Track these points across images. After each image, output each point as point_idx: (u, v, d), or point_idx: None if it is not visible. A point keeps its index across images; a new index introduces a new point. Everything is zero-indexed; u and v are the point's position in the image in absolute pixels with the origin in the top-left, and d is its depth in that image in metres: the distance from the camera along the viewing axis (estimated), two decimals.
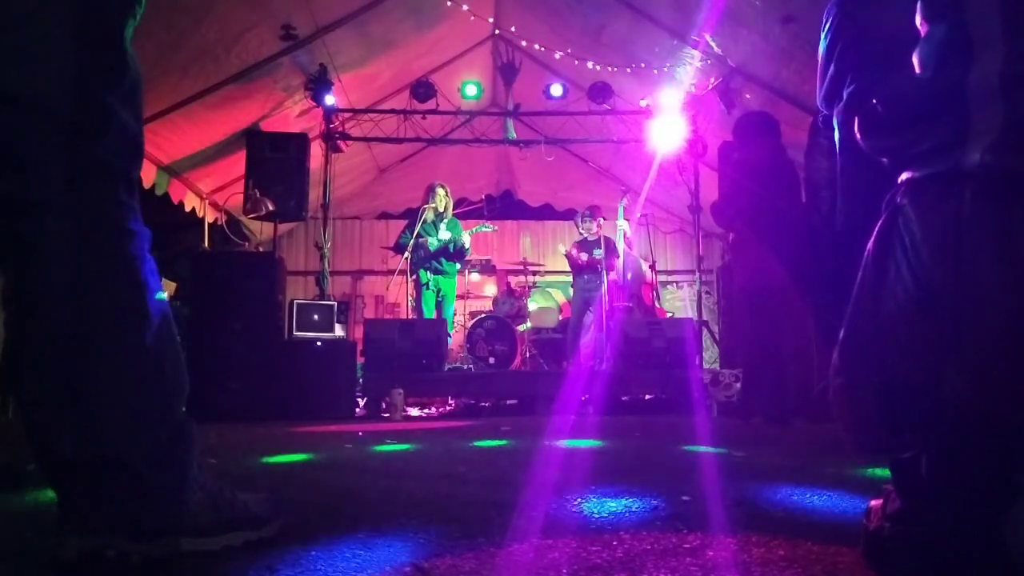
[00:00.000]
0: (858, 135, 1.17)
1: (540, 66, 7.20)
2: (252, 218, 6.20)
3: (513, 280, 8.44)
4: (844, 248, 1.29)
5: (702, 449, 2.98)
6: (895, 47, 1.19)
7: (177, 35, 4.65)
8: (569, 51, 6.56)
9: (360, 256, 9.62)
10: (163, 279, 1.26)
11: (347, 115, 6.79)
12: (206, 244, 7.09)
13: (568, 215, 8.58)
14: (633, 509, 1.64)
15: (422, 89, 6.70)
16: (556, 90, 6.93)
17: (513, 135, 7.17)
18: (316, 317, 5.67)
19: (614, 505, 1.69)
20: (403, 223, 6.94)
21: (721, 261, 7.52)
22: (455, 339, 7.08)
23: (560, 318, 7.91)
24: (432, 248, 6.41)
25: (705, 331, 6.51)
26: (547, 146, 7.18)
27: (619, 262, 6.88)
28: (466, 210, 7.81)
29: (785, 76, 5.50)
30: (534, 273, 7.94)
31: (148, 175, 5.69)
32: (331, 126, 6.59)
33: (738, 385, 4.68)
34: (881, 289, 1.11)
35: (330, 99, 6.21)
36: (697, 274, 6.92)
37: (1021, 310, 0.97)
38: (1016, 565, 1.04)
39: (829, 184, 1.44)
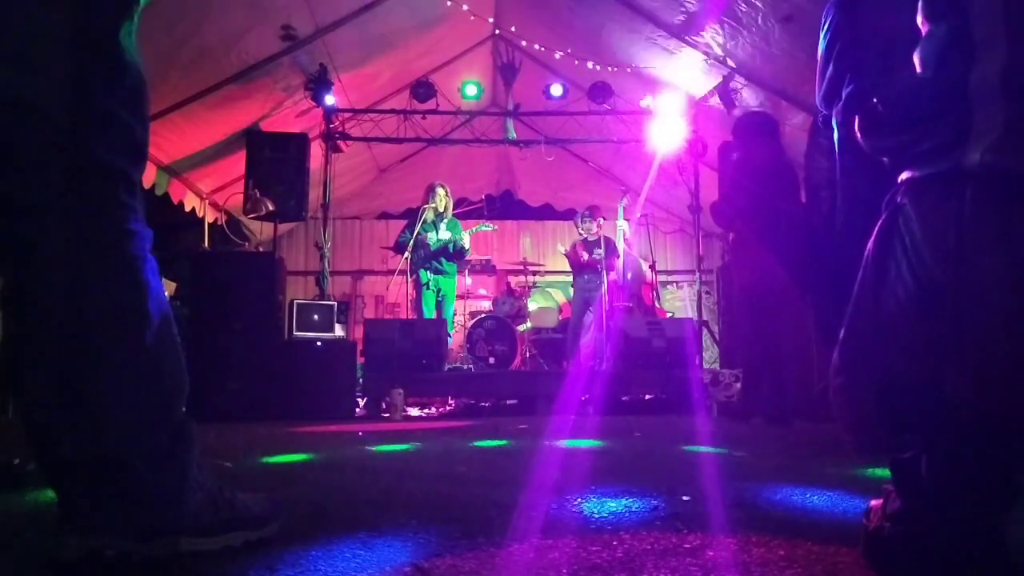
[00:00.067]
0: (859, 135, 1.17)
1: (540, 66, 7.20)
2: (252, 218, 6.20)
3: (513, 280, 8.44)
4: (844, 248, 1.29)
5: (702, 449, 2.98)
6: (893, 47, 1.19)
7: (177, 35, 4.65)
8: (569, 51, 6.56)
9: (360, 256, 9.62)
10: (163, 279, 1.26)
11: (347, 115, 6.78)
12: (206, 244, 7.09)
13: (568, 215, 8.57)
14: (633, 509, 1.64)
15: (422, 89, 6.70)
16: (556, 90, 6.93)
17: (513, 135, 7.17)
18: (316, 317, 5.67)
19: (614, 505, 1.69)
20: (403, 223, 6.94)
21: (721, 261, 7.52)
22: (455, 339, 7.07)
23: (560, 318, 7.91)
24: (432, 243, 6.41)
25: (705, 331, 6.51)
26: (547, 146, 7.18)
27: (619, 262, 6.88)
28: (466, 210, 7.81)
29: (785, 76, 5.50)
30: (534, 273, 7.94)
31: (148, 175, 5.68)
32: (331, 126, 6.59)
33: (738, 385, 4.68)
34: (881, 289, 1.11)
35: (330, 99, 6.21)
36: (697, 274, 6.92)
37: (1022, 310, 0.97)
38: (1016, 565, 1.04)
39: (829, 184, 1.45)
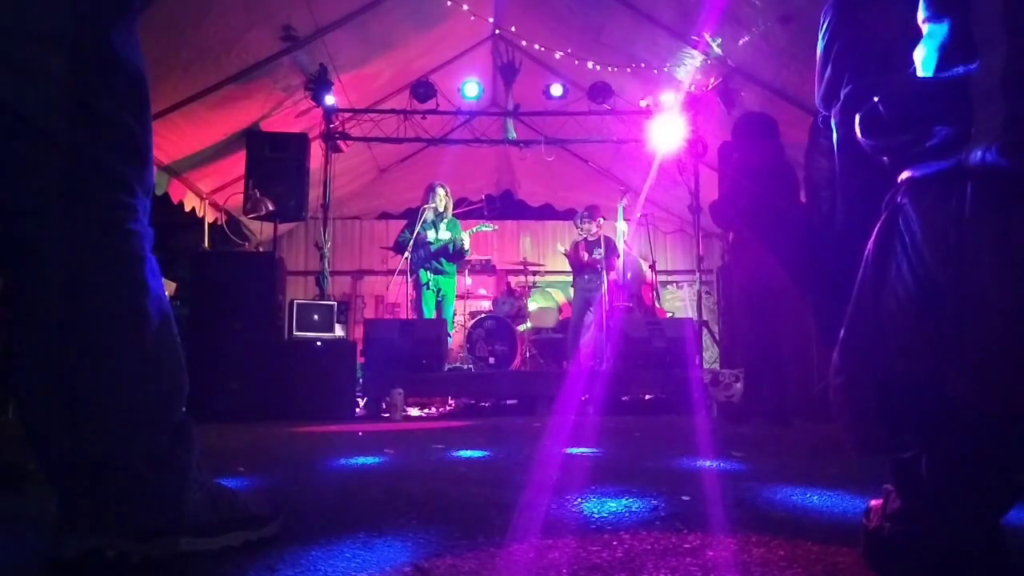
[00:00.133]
0: (859, 134, 1.17)
1: (540, 66, 7.20)
2: (252, 218, 6.20)
3: (513, 280, 8.44)
4: (844, 248, 1.29)
5: (702, 449, 2.98)
6: (892, 47, 1.19)
7: (177, 35, 4.65)
8: (569, 51, 6.56)
9: (360, 256, 9.62)
10: (163, 279, 1.26)
11: (347, 115, 6.78)
12: (206, 244, 7.09)
13: (568, 215, 8.58)
14: (633, 509, 1.64)
15: (422, 89, 6.70)
16: (556, 90, 6.93)
17: (513, 135, 7.17)
18: (316, 317, 5.67)
19: (614, 505, 1.69)
20: (403, 223, 6.94)
21: (721, 261, 7.52)
22: (455, 339, 7.07)
23: (560, 318, 7.91)
24: (432, 244, 6.41)
25: (705, 331, 6.51)
26: (547, 146, 7.18)
27: (619, 262, 6.88)
28: (466, 210, 7.81)
29: (785, 76, 5.50)
30: (534, 273, 7.94)
31: None
32: (331, 126, 6.58)
33: (738, 385, 4.67)
34: (881, 289, 1.11)
35: (330, 99, 6.21)
36: (697, 274, 6.91)
37: (1021, 310, 0.97)
38: (1016, 565, 1.04)
39: (829, 184, 1.45)
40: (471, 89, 7.06)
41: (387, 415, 4.95)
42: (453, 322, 6.95)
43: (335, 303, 6.14)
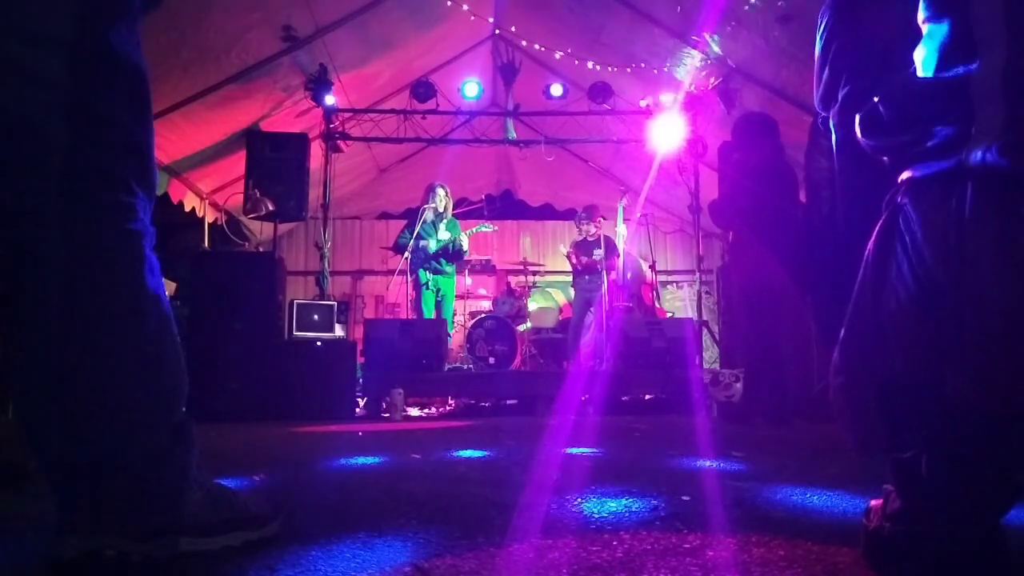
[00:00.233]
0: (859, 135, 1.17)
1: (540, 66, 7.20)
2: (252, 218, 6.20)
3: (513, 280, 8.44)
4: (844, 248, 1.29)
5: (702, 449, 2.98)
6: (890, 48, 1.19)
7: (177, 35, 4.65)
8: (569, 51, 6.55)
9: (360, 256, 9.62)
10: (163, 279, 1.26)
11: (347, 115, 6.78)
12: (206, 244, 7.09)
13: (568, 215, 8.58)
14: (633, 509, 1.64)
15: (422, 89, 6.70)
16: (556, 90, 6.93)
17: (513, 135, 7.17)
18: (316, 317, 5.67)
19: (614, 505, 1.69)
20: (403, 223, 6.95)
21: (721, 261, 7.52)
22: (455, 339, 7.08)
23: (560, 318, 7.91)
24: (432, 251, 6.42)
25: (705, 331, 6.51)
26: (547, 146, 7.18)
27: (619, 262, 6.88)
28: (466, 210, 7.81)
29: (785, 76, 5.50)
30: (534, 273, 7.94)
31: None
32: (331, 126, 6.58)
33: (738, 385, 4.67)
34: (881, 289, 1.11)
35: (330, 99, 6.21)
36: (697, 274, 6.91)
37: (1022, 310, 0.97)
38: (1016, 565, 1.04)
39: (829, 184, 1.45)
40: (471, 89, 7.06)
41: (387, 415, 4.95)
42: (453, 322, 6.95)
43: (335, 303, 6.14)
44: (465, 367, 6.39)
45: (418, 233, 6.36)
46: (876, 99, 1.12)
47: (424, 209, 6.45)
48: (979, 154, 0.97)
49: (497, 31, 7.06)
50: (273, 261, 5.33)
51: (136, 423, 1.16)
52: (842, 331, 1.19)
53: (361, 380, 5.37)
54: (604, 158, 8.67)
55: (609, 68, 6.54)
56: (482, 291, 8.47)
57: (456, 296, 7.11)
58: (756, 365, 4.24)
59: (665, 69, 6.24)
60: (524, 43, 6.94)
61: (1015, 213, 0.97)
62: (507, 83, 7.01)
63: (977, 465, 1.04)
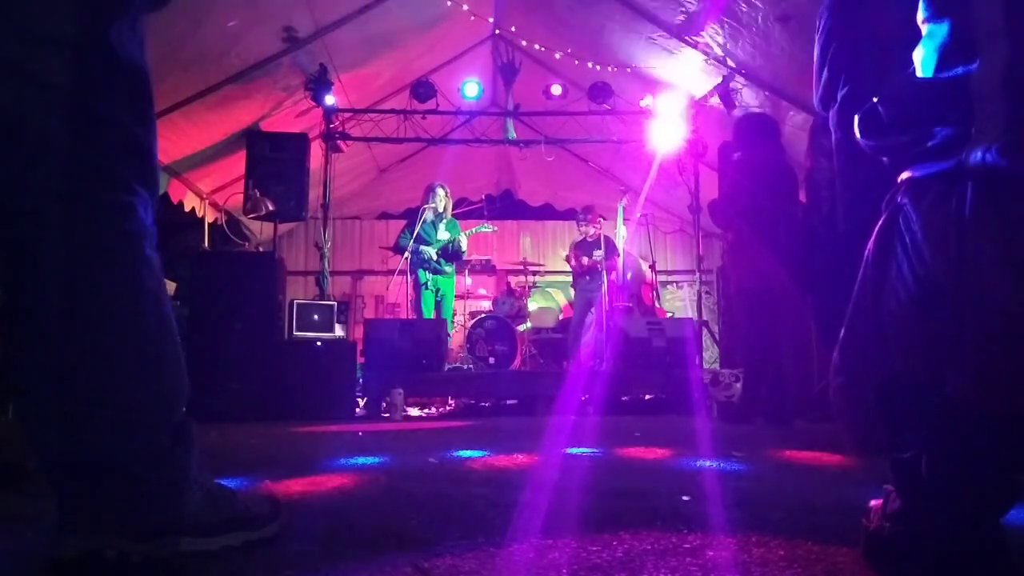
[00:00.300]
0: (858, 135, 1.17)
1: (540, 66, 7.20)
2: (252, 218, 6.20)
3: (513, 280, 8.44)
4: (844, 248, 1.29)
5: (702, 449, 2.98)
6: (888, 48, 1.19)
7: (177, 35, 4.65)
8: (569, 51, 6.56)
9: (360, 256, 9.62)
10: (164, 279, 1.26)
11: (347, 115, 6.79)
12: (206, 244, 7.09)
13: (568, 215, 8.58)
14: (633, 509, 1.64)
15: (422, 89, 6.70)
16: (556, 90, 6.93)
17: (513, 135, 7.17)
18: (316, 317, 5.67)
19: (614, 505, 1.69)
20: (403, 223, 6.95)
21: (721, 261, 7.53)
22: (455, 339, 7.08)
23: (560, 318, 7.91)
24: (430, 257, 6.43)
25: (705, 331, 6.51)
26: (547, 146, 7.18)
27: (619, 262, 6.88)
28: (466, 210, 7.81)
29: (785, 76, 5.50)
30: (534, 273, 7.94)
31: None
32: (331, 126, 6.59)
33: (738, 385, 4.67)
34: (882, 289, 1.11)
35: (330, 99, 6.21)
36: (697, 274, 6.92)
37: (1022, 310, 0.97)
38: (1016, 565, 1.04)
39: (829, 184, 1.45)
40: (471, 89, 7.06)
41: (387, 415, 4.95)
42: (452, 322, 6.95)
43: (335, 303, 6.14)
44: (465, 367, 6.39)
45: (418, 235, 6.37)
46: (875, 100, 1.12)
47: (424, 209, 6.45)
48: (979, 154, 0.97)
49: (497, 31, 7.06)
50: (273, 261, 5.34)
51: (136, 423, 1.16)
52: (842, 331, 1.19)
53: (361, 380, 5.37)
54: (604, 158, 8.67)
55: (609, 68, 6.54)
56: (482, 291, 8.47)
57: (456, 296, 7.11)
58: (756, 365, 4.24)
59: (665, 69, 6.24)
60: (524, 43, 6.94)
61: (1015, 213, 0.97)
62: (507, 83, 7.01)
63: (977, 465, 1.04)
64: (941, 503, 1.06)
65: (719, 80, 5.97)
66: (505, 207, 9.38)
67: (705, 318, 6.67)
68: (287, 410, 4.64)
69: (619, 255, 6.90)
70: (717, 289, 7.48)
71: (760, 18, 4.99)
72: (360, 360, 5.42)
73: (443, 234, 6.49)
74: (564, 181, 9.02)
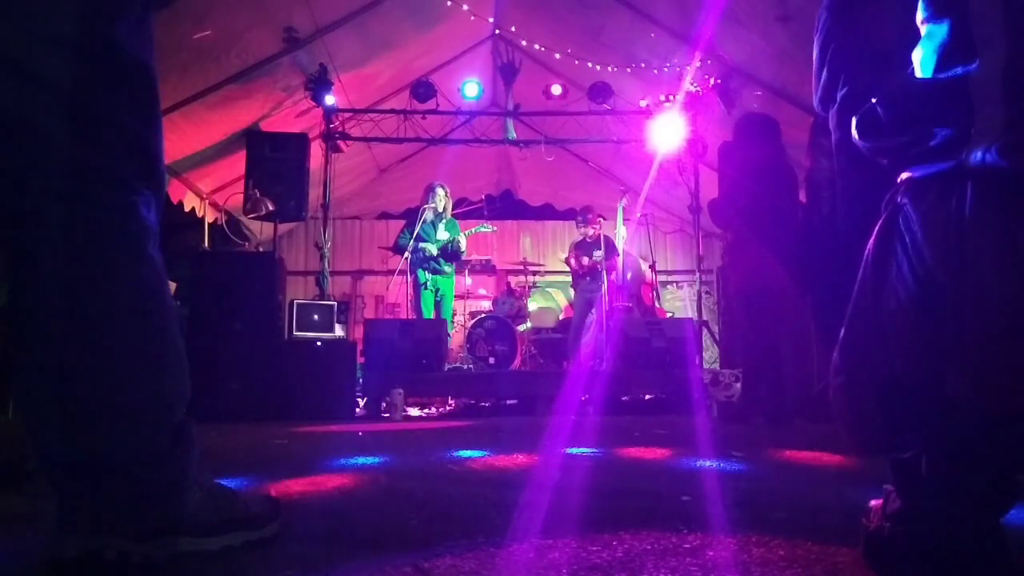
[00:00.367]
0: (856, 136, 1.17)
1: (540, 66, 7.20)
2: (252, 218, 6.20)
3: (513, 280, 8.44)
4: (844, 248, 1.29)
5: (702, 449, 2.98)
6: (888, 48, 1.19)
7: (177, 35, 4.65)
8: (569, 51, 6.56)
9: (360, 256, 9.62)
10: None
11: (347, 115, 6.79)
12: (206, 244, 7.09)
13: (568, 215, 8.58)
14: (633, 509, 1.64)
15: (422, 89, 6.70)
16: (556, 90, 6.93)
17: (513, 135, 7.17)
18: (316, 317, 5.67)
19: (614, 505, 1.69)
20: (403, 223, 6.95)
21: (721, 261, 7.53)
22: (455, 339, 7.08)
23: (560, 318, 7.91)
24: (431, 254, 6.43)
25: (705, 331, 6.51)
26: (547, 146, 7.18)
27: (619, 262, 6.88)
28: (466, 210, 7.81)
29: (785, 76, 5.50)
30: (534, 273, 7.94)
31: None
32: (331, 126, 6.59)
33: (738, 385, 4.67)
34: (881, 289, 1.11)
35: (330, 99, 6.21)
36: (697, 274, 6.92)
37: (1022, 310, 0.97)
38: (1016, 565, 1.04)
39: (830, 184, 1.45)
40: (471, 89, 7.06)
41: (387, 415, 4.95)
42: (452, 322, 6.95)
43: (335, 303, 6.14)
44: (465, 367, 6.39)
45: (418, 234, 6.37)
46: (874, 100, 1.12)
47: (424, 209, 6.45)
48: (979, 155, 0.97)
49: (497, 31, 7.06)
50: (273, 261, 5.34)
51: (136, 423, 1.16)
52: (842, 331, 1.19)
53: (361, 380, 5.37)
54: (604, 158, 8.67)
55: (609, 68, 6.54)
56: (482, 291, 8.47)
57: (456, 296, 7.11)
58: (755, 365, 4.24)
59: (665, 69, 6.24)
60: (524, 43, 6.94)
61: (1015, 213, 0.97)
62: (507, 83, 7.01)
63: (977, 465, 1.04)
64: (941, 503, 1.06)
65: (719, 80, 5.97)
66: (505, 207, 9.39)
67: (705, 318, 6.66)
68: (287, 410, 4.64)
69: (619, 255, 6.90)
70: (717, 289, 7.48)
71: (760, 18, 4.99)
72: (360, 360, 5.42)
73: (442, 234, 6.49)
74: (564, 181, 9.03)
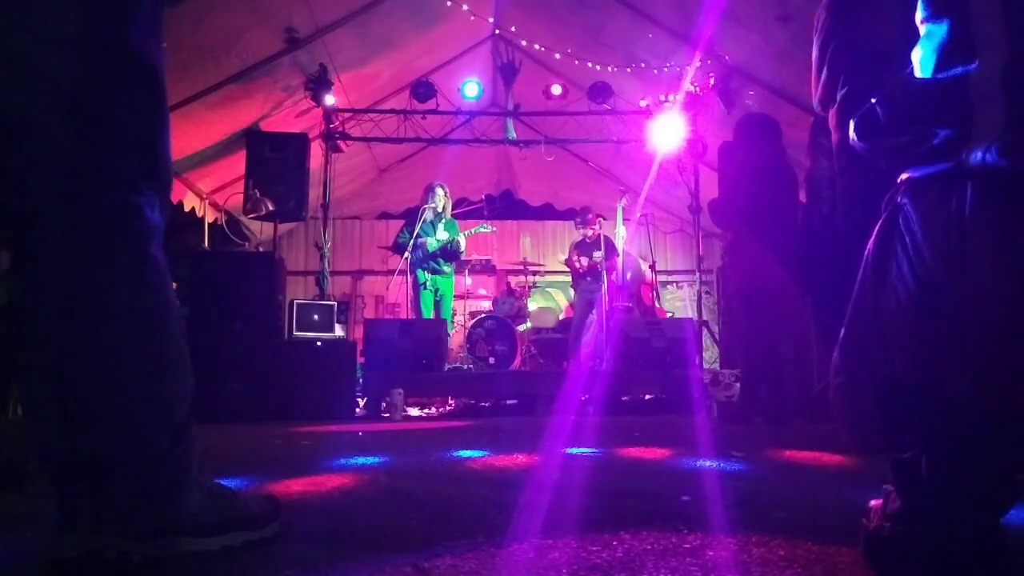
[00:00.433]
0: (855, 137, 1.17)
1: (540, 66, 7.20)
2: (252, 218, 6.20)
3: (513, 280, 8.44)
4: (844, 248, 1.29)
5: (702, 449, 2.98)
6: (887, 48, 1.19)
7: (177, 35, 4.65)
8: (569, 51, 6.56)
9: (360, 256, 9.62)
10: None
11: (347, 115, 6.79)
12: (206, 244, 7.09)
13: (568, 215, 8.59)
14: (633, 509, 1.64)
15: (422, 89, 6.70)
16: (556, 90, 6.94)
17: (513, 135, 7.17)
18: (316, 317, 5.67)
19: (614, 505, 1.69)
20: (403, 223, 6.95)
21: (721, 261, 7.53)
22: (455, 339, 7.08)
23: (560, 318, 7.91)
24: (431, 249, 6.43)
25: (705, 331, 6.51)
26: (547, 146, 7.18)
27: (619, 262, 6.88)
28: (466, 210, 7.81)
29: (785, 76, 5.50)
30: (534, 273, 7.94)
31: None
32: (331, 126, 6.59)
33: (738, 385, 4.67)
34: (881, 289, 1.11)
35: (330, 99, 6.21)
36: (697, 274, 6.92)
37: (1022, 310, 0.97)
38: (1016, 565, 1.04)
39: (830, 184, 1.45)
40: (471, 89, 7.06)
41: (387, 415, 4.95)
42: (452, 322, 6.95)
43: (335, 303, 6.14)
44: (465, 367, 6.39)
45: (417, 235, 6.37)
46: (873, 100, 1.11)
47: (424, 209, 6.45)
48: (979, 155, 0.97)
49: (497, 31, 7.06)
50: (273, 261, 5.34)
51: (137, 423, 1.16)
52: (842, 331, 1.19)
53: (361, 380, 5.37)
54: (604, 158, 8.67)
55: (609, 68, 6.54)
56: (482, 291, 8.47)
57: (456, 296, 7.11)
58: (755, 365, 4.24)
59: (665, 69, 6.25)
60: (524, 43, 6.94)
61: (1015, 213, 0.97)
62: (507, 83, 7.01)
63: (977, 465, 1.04)
64: (941, 503, 1.06)
65: (719, 80, 5.97)
66: (505, 207, 9.39)
67: (705, 318, 6.66)
68: (287, 410, 4.64)
69: (619, 255, 6.90)
70: (717, 289, 7.48)
71: (760, 18, 4.99)
72: (360, 360, 5.42)
73: (442, 234, 6.49)
74: (564, 181, 9.03)
